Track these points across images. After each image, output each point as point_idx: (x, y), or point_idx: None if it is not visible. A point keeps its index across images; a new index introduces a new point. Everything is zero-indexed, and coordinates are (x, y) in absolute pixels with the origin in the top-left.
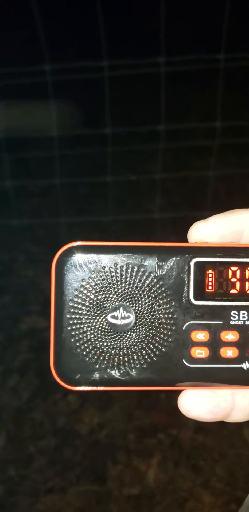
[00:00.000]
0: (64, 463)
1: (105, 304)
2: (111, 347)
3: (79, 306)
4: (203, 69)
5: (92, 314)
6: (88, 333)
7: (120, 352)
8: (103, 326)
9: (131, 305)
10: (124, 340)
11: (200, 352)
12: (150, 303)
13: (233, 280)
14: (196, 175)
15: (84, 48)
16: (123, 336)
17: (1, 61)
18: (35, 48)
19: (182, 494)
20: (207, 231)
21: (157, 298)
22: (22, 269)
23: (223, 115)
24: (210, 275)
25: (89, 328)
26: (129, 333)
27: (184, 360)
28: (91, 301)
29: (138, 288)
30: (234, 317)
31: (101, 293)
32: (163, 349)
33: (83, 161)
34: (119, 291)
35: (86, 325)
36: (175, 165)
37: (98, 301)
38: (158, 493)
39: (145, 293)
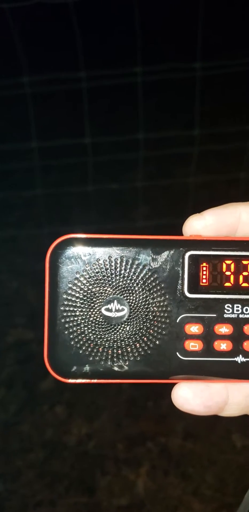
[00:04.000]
0: (52, 475)
1: (100, 297)
2: (105, 339)
3: (73, 299)
4: (180, 78)
5: (86, 306)
6: (82, 325)
7: (114, 345)
8: (97, 319)
9: (125, 298)
10: (118, 333)
11: (193, 345)
12: (144, 295)
13: (227, 273)
14: (178, 182)
15: (61, 60)
16: (117, 329)
17: None
18: (12, 60)
19: (172, 502)
20: (201, 224)
21: (151, 291)
22: (7, 280)
23: (202, 122)
24: (204, 268)
25: (83, 321)
26: (123, 325)
27: (177, 353)
28: (85, 293)
29: (132, 281)
30: (228, 310)
31: (95, 285)
32: (157, 342)
33: (65, 172)
34: (114, 283)
35: (80, 318)
36: (157, 173)
37: (92, 293)
38: (148, 502)
39: (139, 285)
